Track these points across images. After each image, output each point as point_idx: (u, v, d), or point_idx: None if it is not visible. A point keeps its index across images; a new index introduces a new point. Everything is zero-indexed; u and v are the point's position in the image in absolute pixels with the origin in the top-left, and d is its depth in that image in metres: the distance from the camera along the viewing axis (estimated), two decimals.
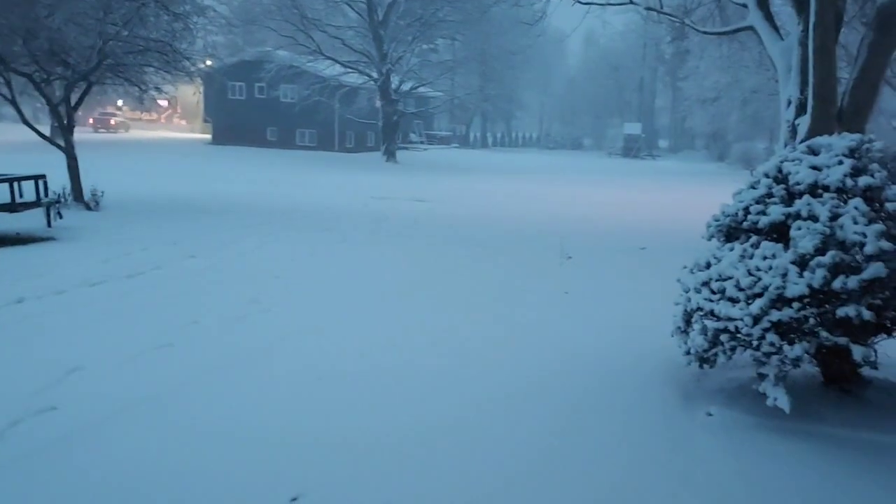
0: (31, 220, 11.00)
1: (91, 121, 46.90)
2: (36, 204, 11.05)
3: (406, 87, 37.36)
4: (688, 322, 4.61)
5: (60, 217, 11.45)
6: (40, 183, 11.13)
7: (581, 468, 3.73)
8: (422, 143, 50.56)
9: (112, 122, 47.66)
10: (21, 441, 3.86)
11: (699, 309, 4.43)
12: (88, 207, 13.33)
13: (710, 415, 4.38)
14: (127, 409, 4.30)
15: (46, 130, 16.91)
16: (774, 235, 4.36)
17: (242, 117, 40.62)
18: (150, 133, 49.65)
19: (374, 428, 4.13)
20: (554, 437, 4.09)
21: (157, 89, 15.88)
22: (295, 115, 38.09)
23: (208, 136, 43.35)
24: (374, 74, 35.00)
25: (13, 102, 13.65)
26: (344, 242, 10.93)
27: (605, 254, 10.70)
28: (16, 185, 10.68)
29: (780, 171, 4.48)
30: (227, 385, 4.76)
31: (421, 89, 40.05)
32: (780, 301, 3.98)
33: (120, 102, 43.47)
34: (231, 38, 33.62)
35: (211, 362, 5.19)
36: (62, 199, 12.24)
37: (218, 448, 3.83)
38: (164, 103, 44.37)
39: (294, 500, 3.30)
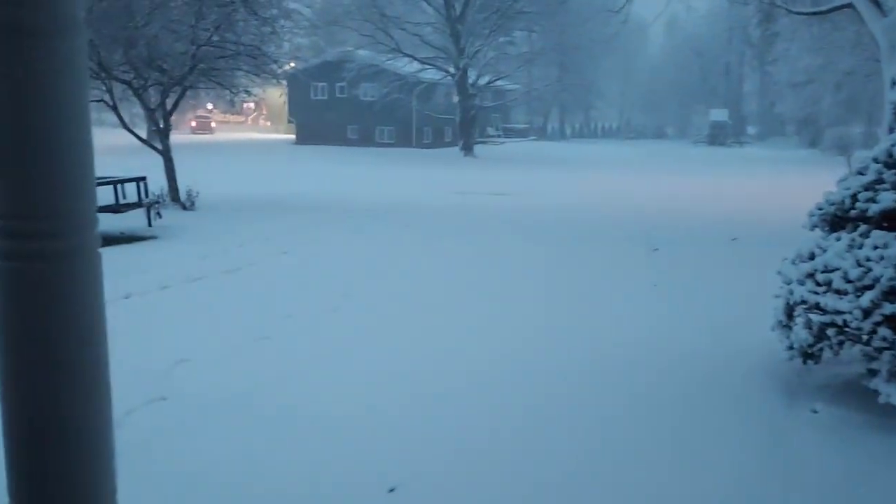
0: (133, 220, 11.63)
1: (193, 123, 49.12)
2: (137, 205, 11.67)
3: (483, 81, 37.35)
4: (790, 315, 4.44)
5: (160, 217, 12.06)
6: (141, 185, 11.75)
7: (679, 468, 3.65)
8: (499, 136, 50.43)
9: (212, 124, 49.88)
10: (135, 429, 4.09)
11: (803, 302, 4.25)
12: (185, 207, 13.97)
13: (816, 412, 4.21)
14: (231, 400, 4.50)
15: (143, 134, 17.85)
16: (885, 224, 4.14)
17: (324, 117, 41.61)
18: (238, 135, 51.54)
19: (469, 421, 4.17)
20: (648, 436, 4.01)
21: (247, 92, 16.48)
22: (374, 112, 38.72)
23: (292, 137, 44.64)
24: (452, 70, 35.16)
25: (114, 108, 14.45)
26: (427, 237, 11.05)
27: (694, 245, 10.40)
28: (119, 187, 11.30)
29: (890, 155, 4.25)
30: (323, 377, 4.90)
31: (498, 83, 39.92)
32: (893, 293, 3.78)
33: (211, 106, 45.35)
34: (314, 40, 34.53)
35: (306, 355, 5.36)
36: (161, 200, 12.88)
37: (316, 439, 3.95)
38: (251, 105, 45.95)
39: (392, 490, 3.37)
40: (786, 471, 3.61)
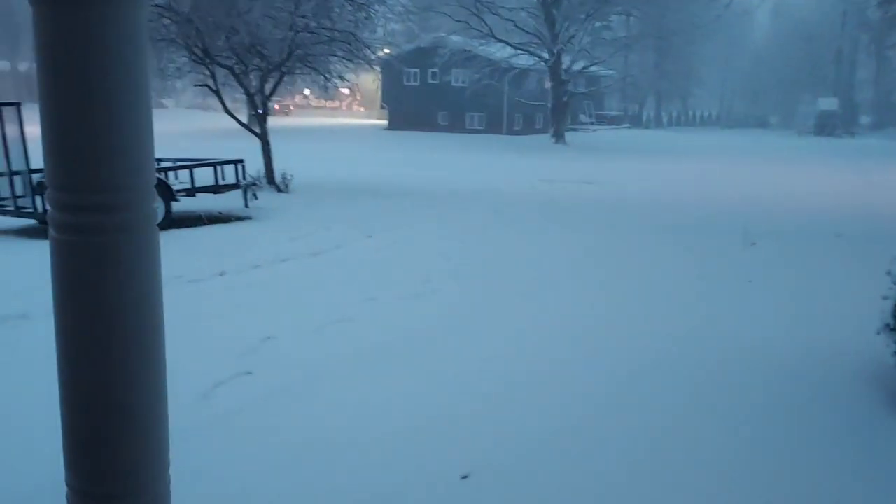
0: (231, 201, 12.09)
1: (276, 107, 50.83)
2: (235, 186, 12.11)
3: (577, 66, 36.61)
4: None
5: (255, 198, 12.48)
6: (239, 167, 12.17)
7: (774, 480, 3.46)
8: (591, 124, 49.42)
9: (291, 107, 51.58)
10: (223, 401, 4.26)
11: None
12: (279, 189, 14.42)
13: None
14: (311, 379, 4.61)
15: (242, 118, 18.52)
16: None
17: (416, 103, 41.95)
18: (332, 120, 52.77)
19: (545, 412, 4.11)
20: (741, 445, 3.82)
21: (341, 78, 16.80)
22: (465, 99, 38.71)
23: (384, 122, 45.29)
24: (545, 55, 34.66)
25: (217, 93, 15.04)
26: (511, 225, 10.98)
27: (794, 240, 9.87)
28: (219, 168, 11.76)
29: None
30: (401, 362, 4.95)
31: (592, 68, 39.05)
32: None
33: (307, 91, 46.61)
34: (408, 26, 34.76)
35: (386, 339, 5.42)
36: (257, 182, 13.33)
37: (391, 422, 3.99)
38: (346, 91, 46.90)
39: (465, 477, 3.37)
40: (888, 486, 3.37)
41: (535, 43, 34.94)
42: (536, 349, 5.20)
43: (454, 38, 36.66)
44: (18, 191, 9.23)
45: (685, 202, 14.15)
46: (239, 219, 11.16)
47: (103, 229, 0.70)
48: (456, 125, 41.66)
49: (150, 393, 0.76)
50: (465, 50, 35.83)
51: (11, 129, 8.88)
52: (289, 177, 14.59)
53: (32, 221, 9.47)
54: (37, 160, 9.74)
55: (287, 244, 9.11)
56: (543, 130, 39.75)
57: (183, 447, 3.34)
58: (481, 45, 35.21)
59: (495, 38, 33.81)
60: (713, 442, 3.78)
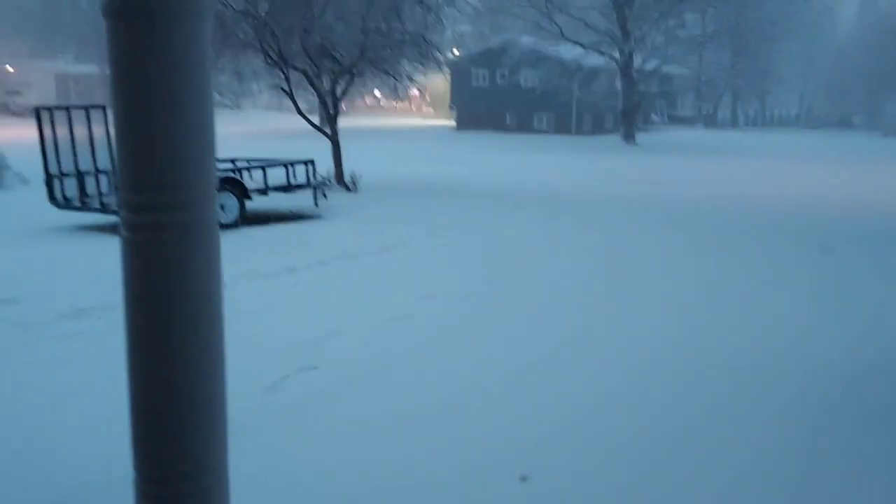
0: (301, 200, 12.42)
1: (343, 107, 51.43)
2: (306, 185, 12.42)
3: (649, 66, 35.89)
4: None
5: (325, 197, 12.77)
6: (309, 166, 12.47)
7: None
8: (664, 124, 48.32)
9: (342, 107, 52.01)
10: (290, 393, 4.40)
11: None
12: (348, 189, 14.71)
13: None
14: (374, 374, 4.71)
15: (315, 119, 18.95)
16: None
17: (484, 103, 41.97)
18: (402, 121, 53.34)
19: (608, 417, 4.08)
20: (791, 471, 3.71)
21: (410, 79, 16.99)
22: (533, 99, 38.51)
23: (452, 123, 45.49)
24: (616, 55, 34.11)
25: (290, 95, 15.46)
26: (574, 225, 10.89)
27: (875, 249, 9.44)
28: (290, 168, 12.09)
29: None
30: (459, 360, 4.99)
31: (665, 68, 38.20)
32: None
33: (377, 92, 47.26)
34: (478, 27, 34.89)
35: (446, 336, 5.48)
36: (327, 182, 13.64)
37: (450, 420, 4.04)
38: (415, 92, 47.38)
39: (524, 479, 3.38)
40: None
41: (606, 42, 34.42)
42: (602, 350, 5.16)
43: (524, 38, 36.53)
44: (104, 189, 9.72)
45: (754, 204, 13.70)
46: (309, 217, 11.44)
47: (166, 227, 0.77)
48: (524, 126, 41.47)
49: (210, 384, 0.82)
50: (535, 50, 35.66)
51: (97, 130, 9.37)
52: (357, 177, 14.86)
53: (115, 218, 9.97)
54: None
55: (354, 242, 9.30)
56: (614, 131, 39.12)
57: (249, 437, 3.48)
58: (551, 45, 34.94)
59: (565, 38, 33.47)
60: (764, 457, 3.68)
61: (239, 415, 3.78)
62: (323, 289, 6.93)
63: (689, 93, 53.56)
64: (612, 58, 34.61)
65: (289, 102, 16.23)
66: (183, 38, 0.73)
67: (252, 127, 33.09)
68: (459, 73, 38.91)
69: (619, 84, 35.22)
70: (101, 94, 54.47)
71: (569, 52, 35.21)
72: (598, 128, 41.48)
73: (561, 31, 33.20)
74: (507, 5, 35.12)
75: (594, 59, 35.49)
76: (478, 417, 4.04)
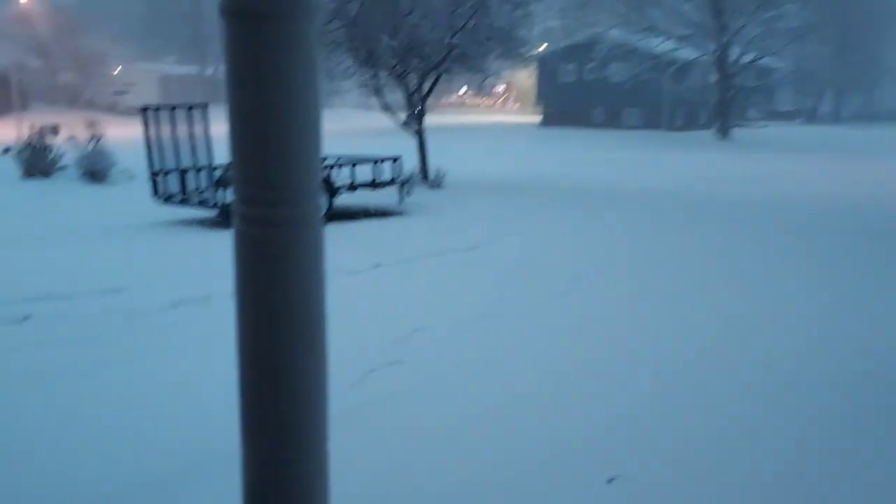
0: (386, 197, 12.62)
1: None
2: (391, 182, 12.60)
3: (746, 59, 34.48)
4: None
5: (410, 194, 12.93)
6: (395, 163, 12.65)
7: None
8: (760, 119, 46.32)
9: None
10: (375, 387, 4.47)
11: None
12: (432, 186, 14.84)
13: None
14: (458, 371, 4.72)
15: (399, 117, 19.21)
16: None
17: (571, 99, 41.44)
18: (487, 118, 53.37)
19: (698, 416, 3.94)
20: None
21: (497, 76, 16.97)
22: (622, 94, 37.73)
23: (538, 119, 45.14)
24: (711, 47, 32.95)
25: (378, 93, 15.73)
26: (664, 225, 10.59)
27: None
28: (377, 165, 12.29)
29: None
30: (546, 360, 4.94)
31: (762, 61, 36.61)
32: None
33: (462, 89, 47.46)
34: (565, 22, 34.45)
35: (533, 335, 5.44)
36: (412, 179, 13.80)
37: (536, 418, 4.00)
38: (500, 89, 47.24)
39: (611, 480, 3.31)
40: None
41: (699, 35, 33.31)
42: (696, 349, 5.00)
43: (613, 32, 35.82)
44: (202, 185, 10.17)
45: (860, 204, 12.92)
46: (394, 214, 11.61)
47: (276, 221, 0.79)
48: (612, 121, 40.70)
49: (314, 371, 0.84)
50: (624, 44, 34.91)
51: (199, 129, 9.80)
52: (442, 174, 14.97)
53: (213, 213, 10.41)
54: (219, 157, 10.71)
55: (439, 239, 9.37)
56: (707, 126, 37.84)
57: (338, 427, 3.57)
58: (641, 38, 34.10)
59: (657, 31, 32.60)
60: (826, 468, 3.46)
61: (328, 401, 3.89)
62: (408, 286, 7.01)
63: (789, 87, 51.14)
64: (706, 51, 33.47)
65: (376, 100, 16.53)
66: (295, 39, 0.75)
67: (341, 125, 33.87)
68: (546, 69, 38.55)
69: (713, 78, 34.01)
70: (201, 93, 56.97)
71: (660, 45, 34.28)
72: (690, 123, 40.22)
73: (652, 24, 32.36)
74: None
75: (687, 52, 34.41)
76: (566, 420, 3.99)
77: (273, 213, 0.78)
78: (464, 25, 14.27)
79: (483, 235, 9.62)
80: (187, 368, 4.63)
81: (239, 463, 0.88)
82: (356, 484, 3.15)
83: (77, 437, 3.68)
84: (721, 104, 33.62)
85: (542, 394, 4.31)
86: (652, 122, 39.44)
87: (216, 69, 60.04)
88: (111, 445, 3.58)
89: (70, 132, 15.37)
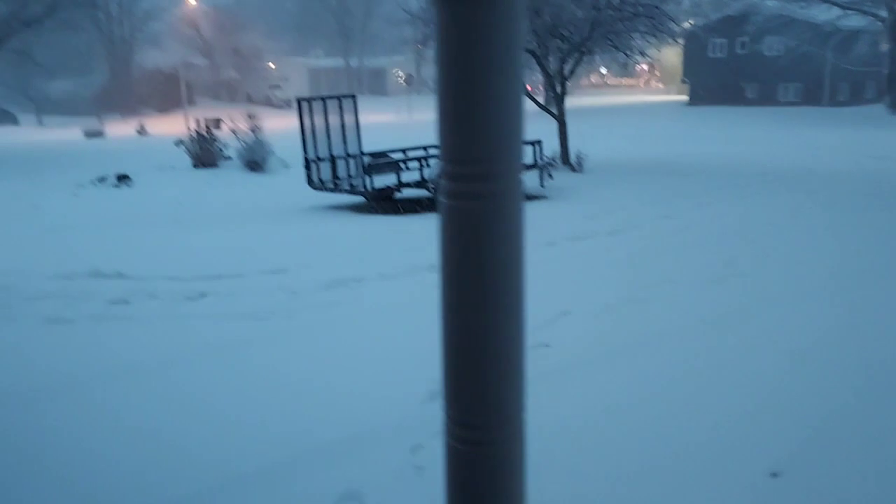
0: (527, 180, 12.60)
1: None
2: (533, 166, 12.57)
3: None
4: None
5: (551, 178, 12.83)
6: (537, 147, 12.59)
7: None
8: None
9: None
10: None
11: None
12: (573, 169, 14.63)
13: None
14: (604, 355, 4.66)
15: (538, 98, 19.05)
16: None
17: (721, 76, 39.22)
18: (630, 98, 51.69)
19: (863, 411, 3.67)
20: None
21: (642, 53, 16.40)
22: (778, 69, 35.24)
23: (685, 98, 43.14)
24: (883, 13, 29.95)
25: None
26: (829, 208, 9.81)
27: None
28: None
29: None
30: (699, 347, 4.76)
31: None
32: None
33: (604, 70, 46.27)
34: None
35: (683, 323, 5.25)
36: (553, 162, 13.68)
37: (690, 410, 3.88)
38: (644, 67, 45.62)
39: (774, 475, 3.17)
40: None
41: (868, 1, 30.37)
42: (863, 340, 4.63)
43: (769, 2, 33.44)
44: (352, 172, 10.64)
45: None
46: (535, 198, 11.57)
47: (480, 195, 0.83)
48: (766, 98, 38.11)
49: (512, 341, 0.89)
50: (782, 15, 32.50)
51: (349, 118, 10.26)
52: (583, 156, 14.71)
53: (361, 199, 10.87)
54: (367, 145, 11.15)
55: (582, 223, 9.24)
56: (876, 100, 34.55)
57: None
58: (801, 7, 31.59)
59: None
60: None
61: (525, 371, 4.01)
62: (553, 269, 6.98)
63: None
64: (876, 17, 30.47)
65: None
66: (502, 18, 0.78)
67: None
68: (694, 45, 36.71)
69: (884, 47, 30.92)
70: (346, 84, 59.50)
71: (823, 13, 31.61)
72: (856, 98, 36.89)
73: None
74: None
75: (853, 21, 31.48)
76: (712, 421, 3.84)
77: (479, 187, 0.83)
78: (609, 2, 13.88)
79: (629, 219, 9.38)
80: (350, 342, 4.91)
81: (443, 423, 0.94)
82: None
83: (264, 400, 4.02)
84: (893, 75, 30.52)
85: (688, 386, 4.16)
86: (812, 97, 36.53)
87: (360, 61, 62.35)
88: (296, 408, 3.87)
89: (232, 125, 16.57)
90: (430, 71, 59.04)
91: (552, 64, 15.90)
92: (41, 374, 4.48)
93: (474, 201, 0.83)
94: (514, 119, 0.82)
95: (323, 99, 10.77)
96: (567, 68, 15.64)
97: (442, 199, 0.85)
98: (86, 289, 6.32)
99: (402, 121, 33.93)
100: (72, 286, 6.43)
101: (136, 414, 3.88)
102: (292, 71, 57.44)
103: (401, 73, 50.45)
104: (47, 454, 3.46)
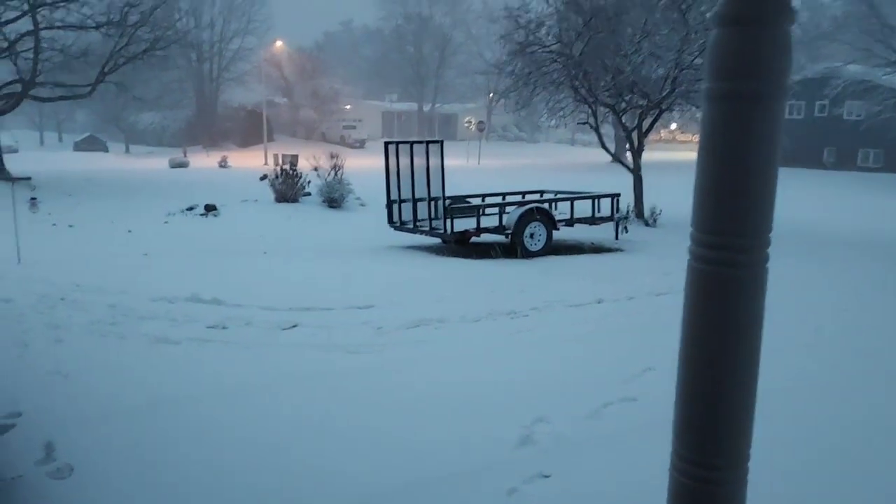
0: (602, 232, 12.63)
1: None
2: (609, 219, 12.60)
3: None
4: None
5: (626, 231, 12.83)
6: (614, 200, 12.64)
7: None
8: None
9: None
10: (610, 421, 4.54)
11: None
12: (647, 224, 14.59)
13: None
14: None
15: (611, 154, 19.12)
16: None
17: (797, 138, 38.46)
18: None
19: None
20: None
21: None
22: (858, 133, 34.43)
23: None
24: None
25: (596, 129, 15.84)
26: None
27: None
28: (596, 201, 12.38)
29: None
30: (784, 415, 4.70)
31: None
32: None
33: (674, 126, 46.06)
34: (795, 56, 32.29)
35: (769, 386, 5.19)
36: (629, 216, 13.69)
37: (770, 470, 3.84)
38: None
39: None
40: None
41: None
42: None
43: (851, 67, 32.90)
44: (433, 214, 10.91)
45: None
46: (610, 250, 11.59)
47: (731, 264, 0.97)
48: (845, 162, 37.20)
49: (746, 393, 1.01)
50: (865, 80, 31.89)
51: (434, 162, 10.56)
52: (658, 211, 14.66)
53: (438, 241, 11.10)
54: (450, 189, 11.42)
55: (660, 278, 9.20)
56: None
57: (576, 455, 3.69)
58: (886, 74, 30.95)
59: None
60: None
61: (568, 431, 4.03)
62: (636, 322, 6.99)
63: None
64: None
65: (581, 136, 16.69)
66: (767, 115, 0.93)
67: (548, 160, 34.34)
68: None
69: None
70: (418, 128, 60.78)
71: None
72: None
73: None
74: (832, 32, 32.02)
75: None
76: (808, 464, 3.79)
77: (731, 257, 0.96)
78: (691, 63, 13.98)
79: None
80: (434, 380, 5.03)
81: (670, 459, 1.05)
82: None
83: (341, 436, 4.16)
84: None
85: (774, 445, 4.11)
86: (894, 164, 35.48)
87: (433, 106, 63.74)
88: (375, 445, 4.01)
89: (308, 162, 17.20)
90: (499, 119, 59.93)
91: (629, 118, 16.02)
92: (151, 389, 4.75)
93: (724, 268, 0.97)
94: (767, 203, 0.96)
95: (410, 143, 11.12)
96: (645, 124, 15.72)
97: (693, 263, 1.00)
98: (187, 312, 6.66)
99: (472, 166, 34.45)
100: (174, 309, 6.79)
101: (254, 429, 4.08)
102: (367, 112, 59.14)
103: (472, 120, 51.35)
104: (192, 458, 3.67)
